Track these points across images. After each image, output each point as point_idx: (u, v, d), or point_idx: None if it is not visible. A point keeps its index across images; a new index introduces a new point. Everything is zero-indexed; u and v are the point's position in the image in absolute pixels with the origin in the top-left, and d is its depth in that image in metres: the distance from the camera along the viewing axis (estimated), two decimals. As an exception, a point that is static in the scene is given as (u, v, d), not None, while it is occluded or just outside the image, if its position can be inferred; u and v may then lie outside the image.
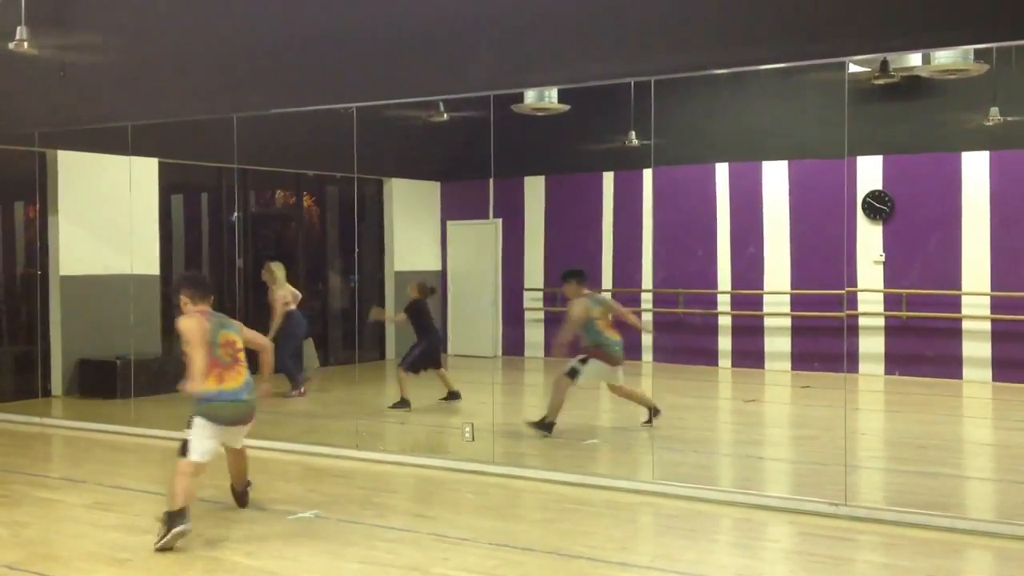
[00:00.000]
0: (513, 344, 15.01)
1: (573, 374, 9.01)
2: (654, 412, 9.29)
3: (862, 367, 13.02)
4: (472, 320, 15.74)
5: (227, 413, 6.25)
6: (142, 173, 12.21)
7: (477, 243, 15.78)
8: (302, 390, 11.74)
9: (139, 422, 9.94)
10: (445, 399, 11.02)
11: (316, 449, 8.74)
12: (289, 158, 13.90)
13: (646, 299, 14.58)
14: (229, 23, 8.92)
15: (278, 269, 11.95)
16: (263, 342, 6.83)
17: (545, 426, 8.98)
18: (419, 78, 8.70)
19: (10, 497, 7.24)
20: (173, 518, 5.82)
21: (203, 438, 6.15)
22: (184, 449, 6.11)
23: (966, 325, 12.70)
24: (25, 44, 8.83)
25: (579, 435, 9.33)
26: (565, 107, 12.42)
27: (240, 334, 6.47)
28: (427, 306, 11.34)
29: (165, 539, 5.79)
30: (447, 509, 6.90)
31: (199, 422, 6.18)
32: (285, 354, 11.70)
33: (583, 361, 9.05)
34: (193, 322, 6.29)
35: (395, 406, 10.72)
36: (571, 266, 9.87)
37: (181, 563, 5.62)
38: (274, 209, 16.17)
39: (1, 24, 8.98)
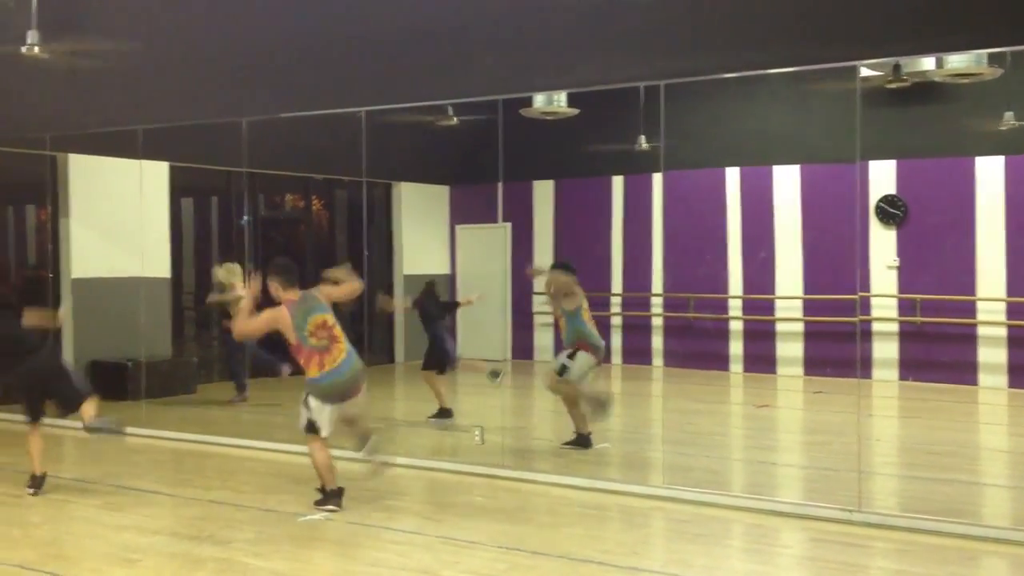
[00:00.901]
0: (523, 349, 14.99)
1: (563, 371, 8.67)
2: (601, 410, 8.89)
3: (875, 372, 12.96)
4: (481, 324, 15.71)
5: (336, 391, 6.55)
6: (153, 176, 12.25)
7: (486, 247, 15.76)
8: (246, 395, 11.66)
9: (150, 424, 9.93)
10: (435, 416, 10.24)
11: (326, 452, 8.70)
12: (298, 162, 13.91)
13: (656, 303, 14.55)
14: (238, 28, 8.90)
15: (235, 271, 11.45)
16: (351, 288, 7.05)
17: (582, 440, 8.68)
18: (428, 82, 8.68)
19: (22, 498, 7.24)
20: (329, 497, 6.60)
21: (324, 414, 6.52)
22: (311, 427, 6.53)
23: (981, 330, 12.63)
24: (36, 48, 8.83)
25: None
26: (574, 111, 12.41)
27: (329, 311, 6.70)
28: (434, 299, 10.85)
29: (322, 512, 6.52)
30: (457, 512, 6.87)
31: (315, 402, 6.53)
32: (234, 360, 11.66)
33: (571, 356, 8.68)
34: (278, 314, 6.61)
35: (436, 416, 10.17)
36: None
37: (191, 563, 5.60)
38: (283, 212, 16.18)
39: (12, 28, 8.98)
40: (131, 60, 9.63)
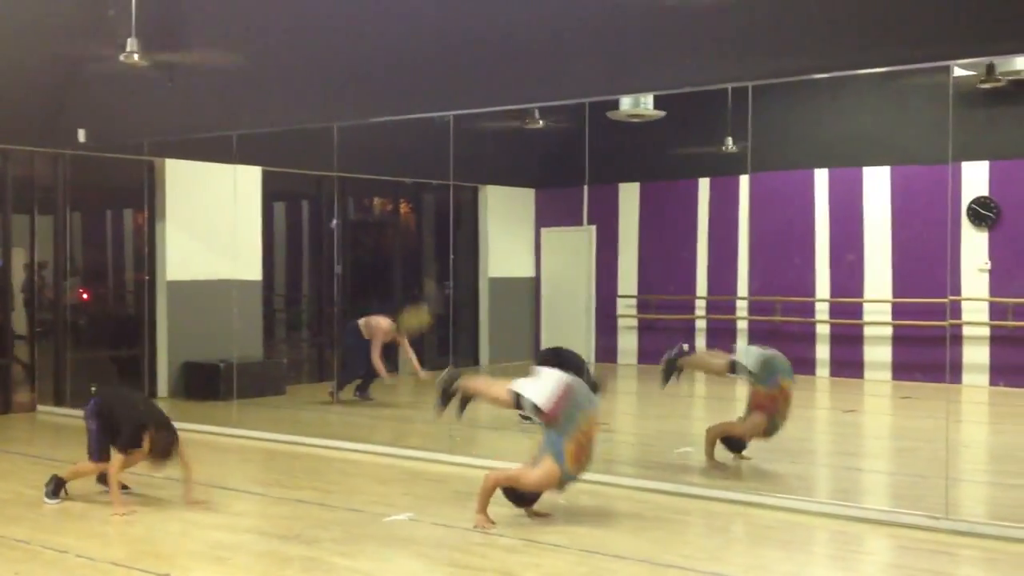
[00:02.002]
0: (607, 351, 14.99)
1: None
2: None
3: (965, 377, 12.68)
4: (565, 327, 15.74)
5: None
6: (246, 181, 12.53)
7: (571, 250, 15.79)
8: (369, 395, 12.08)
9: (241, 423, 10.18)
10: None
11: (411, 453, 8.85)
12: (387, 166, 14.10)
13: (741, 307, 14.42)
14: (330, 34, 9.09)
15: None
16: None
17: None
18: (515, 86, 8.75)
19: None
20: None
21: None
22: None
23: (1076, 335, 12.30)
24: (135, 56, 9.12)
25: (672, 443, 9.27)
26: (661, 113, 12.37)
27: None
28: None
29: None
30: (539, 514, 6.91)
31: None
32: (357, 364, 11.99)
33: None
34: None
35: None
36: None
37: (279, 562, 5.75)
38: (372, 216, 16.42)
39: (113, 36, 9.29)
40: (226, 67, 9.90)
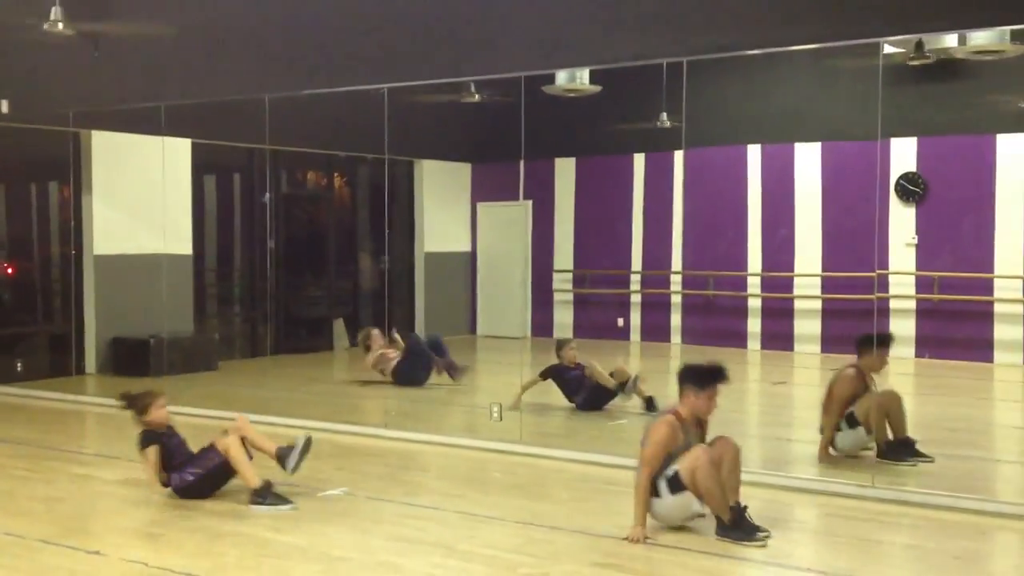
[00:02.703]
0: (542, 325, 15.04)
1: None
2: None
3: (892, 349, 12.91)
4: (501, 301, 15.77)
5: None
6: (175, 153, 12.32)
7: (507, 224, 15.79)
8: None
9: (172, 400, 9.89)
10: None
11: (346, 428, 8.80)
12: (321, 139, 13.96)
13: (676, 281, 14.55)
14: (261, 4, 8.95)
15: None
16: None
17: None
18: (450, 59, 8.70)
19: (45, 473, 7.35)
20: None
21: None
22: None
23: (998, 308, 12.59)
24: (60, 25, 8.90)
25: (608, 415, 9.34)
26: (596, 88, 12.38)
27: None
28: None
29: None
30: (475, 488, 6.94)
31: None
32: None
33: None
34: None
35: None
36: None
37: (211, 538, 5.69)
38: (306, 190, 16.26)
39: (36, 5, 9.05)
40: (154, 36, 9.70)
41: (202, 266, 13.91)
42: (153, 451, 6.46)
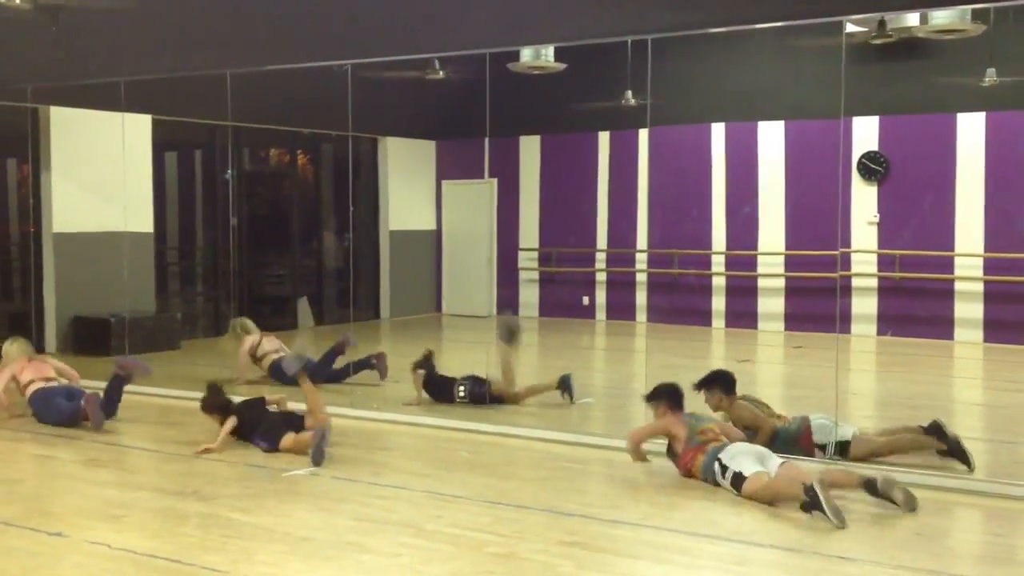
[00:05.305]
0: (508, 303, 15.04)
1: None
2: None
3: (854, 327, 13.07)
4: (467, 280, 15.76)
5: None
6: (135, 129, 12.16)
7: (472, 202, 15.76)
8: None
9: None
10: None
11: (310, 407, 8.74)
12: (284, 115, 13.84)
13: (640, 259, 14.59)
14: (223, -22, 8.84)
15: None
16: None
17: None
18: (414, 35, 8.63)
19: (4, 454, 7.27)
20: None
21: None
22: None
23: (958, 286, 12.74)
24: (16, -1, 8.74)
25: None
26: (561, 66, 12.35)
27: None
28: None
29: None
30: (441, 467, 6.94)
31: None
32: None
33: None
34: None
35: None
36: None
37: (174, 519, 5.65)
38: (268, 167, 16.13)
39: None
40: (114, 10, 9.53)
41: (164, 244, 13.79)
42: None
